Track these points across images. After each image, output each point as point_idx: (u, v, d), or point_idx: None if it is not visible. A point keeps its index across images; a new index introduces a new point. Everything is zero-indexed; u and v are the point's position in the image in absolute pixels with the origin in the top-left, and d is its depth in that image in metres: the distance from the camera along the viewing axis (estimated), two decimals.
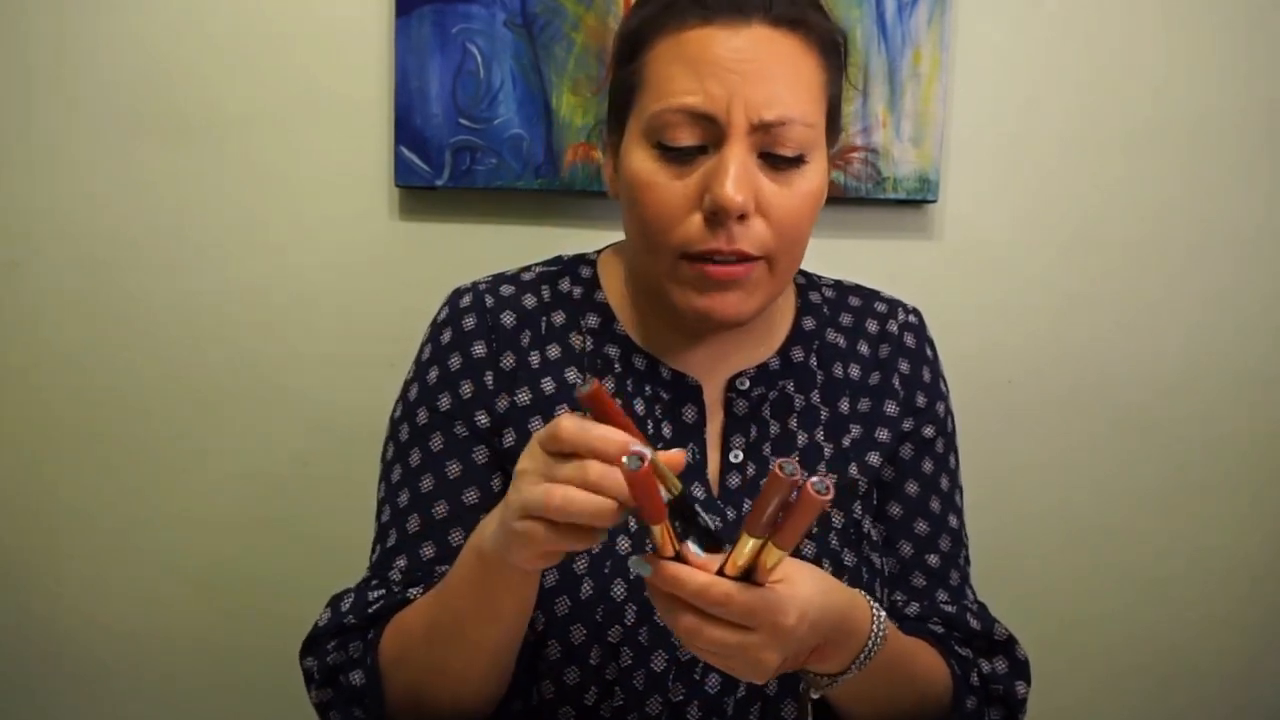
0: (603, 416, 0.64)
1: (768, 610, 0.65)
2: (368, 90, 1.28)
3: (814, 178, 0.82)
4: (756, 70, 0.79)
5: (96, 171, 1.29)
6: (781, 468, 0.58)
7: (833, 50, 0.85)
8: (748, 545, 0.62)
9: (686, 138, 0.80)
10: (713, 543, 0.66)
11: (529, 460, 0.66)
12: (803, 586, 0.67)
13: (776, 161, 0.80)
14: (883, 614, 0.77)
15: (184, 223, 1.30)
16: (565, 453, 0.64)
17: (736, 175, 0.78)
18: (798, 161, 0.81)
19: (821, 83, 0.83)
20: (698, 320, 0.84)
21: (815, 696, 0.80)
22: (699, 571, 0.64)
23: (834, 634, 0.73)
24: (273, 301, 1.32)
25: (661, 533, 0.63)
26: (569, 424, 0.63)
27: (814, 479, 0.58)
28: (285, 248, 1.31)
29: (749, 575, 0.64)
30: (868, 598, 0.77)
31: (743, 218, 0.79)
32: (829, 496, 0.58)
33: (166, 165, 1.29)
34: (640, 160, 0.82)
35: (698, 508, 0.67)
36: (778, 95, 0.79)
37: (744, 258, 0.80)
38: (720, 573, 0.64)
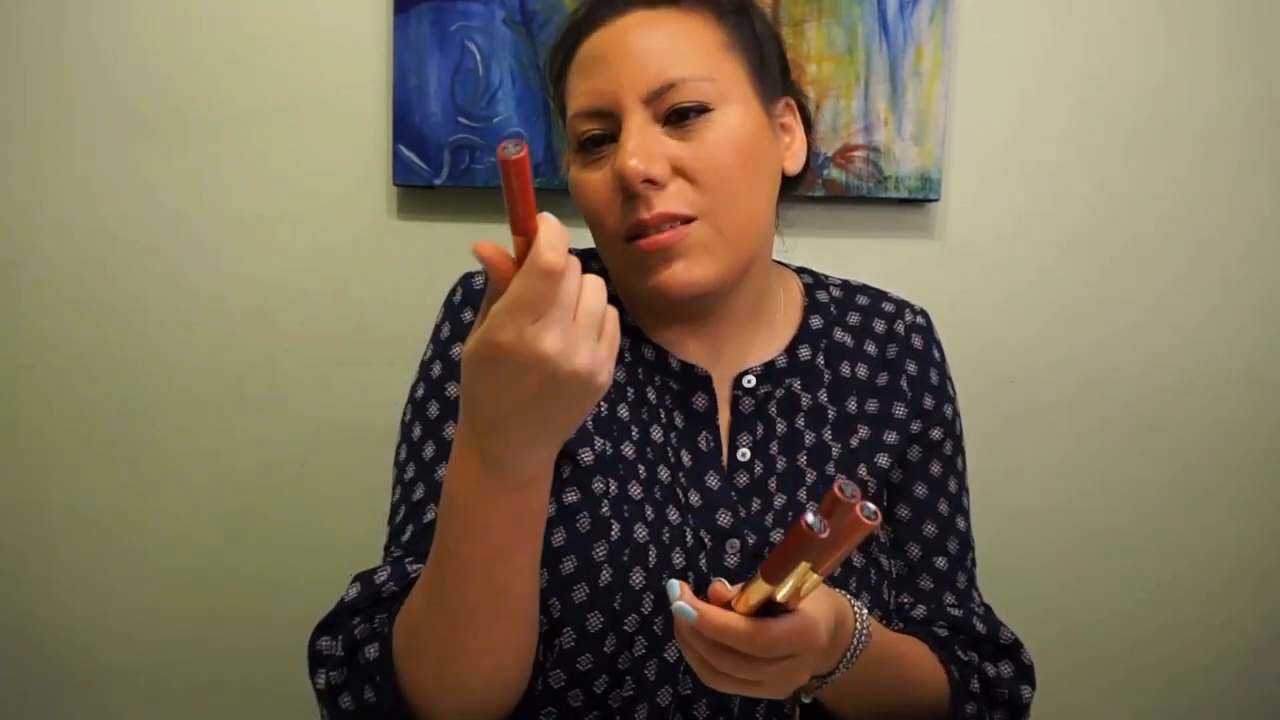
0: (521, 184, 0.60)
1: (804, 636, 0.66)
2: (366, 89, 1.27)
3: (728, 124, 0.83)
4: (635, 50, 0.83)
5: (94, 170, 1.28)
6: (841, 489, 0.57)
7: (730, 9, 0.87)
8: (761, 592, 0.62)
9: (594, 133, 0.85)
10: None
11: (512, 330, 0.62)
12: (819, 600, 0.68)
13: (679, 119, 0.83)
14: (865, 611, 0.77)
15: (182, 222, 1.29)
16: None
17: (633, 146, 0.81)
18: (701, 111, 0.83)
19: (718, 40, 0.85)
20: (659, 299, 0.85)
21: (806, 700, 0.79)
22: (739, 618, 0.64)
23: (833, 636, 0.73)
24: (271, 301, 1.31)
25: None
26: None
27: (865, 503, 0.57)
28: (283, 247, 1.30)
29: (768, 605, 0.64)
30: (847, 596, 0.78)
31: (653, 183, 0.81)
32: (877, 521, 0.58)
33: (164, 164, 1.28)
34: (573, 169, 0.88)
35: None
36: (658, 62, 0.82)
37: (674, 219, 0.82)
38: (729, 606, 0.64)
